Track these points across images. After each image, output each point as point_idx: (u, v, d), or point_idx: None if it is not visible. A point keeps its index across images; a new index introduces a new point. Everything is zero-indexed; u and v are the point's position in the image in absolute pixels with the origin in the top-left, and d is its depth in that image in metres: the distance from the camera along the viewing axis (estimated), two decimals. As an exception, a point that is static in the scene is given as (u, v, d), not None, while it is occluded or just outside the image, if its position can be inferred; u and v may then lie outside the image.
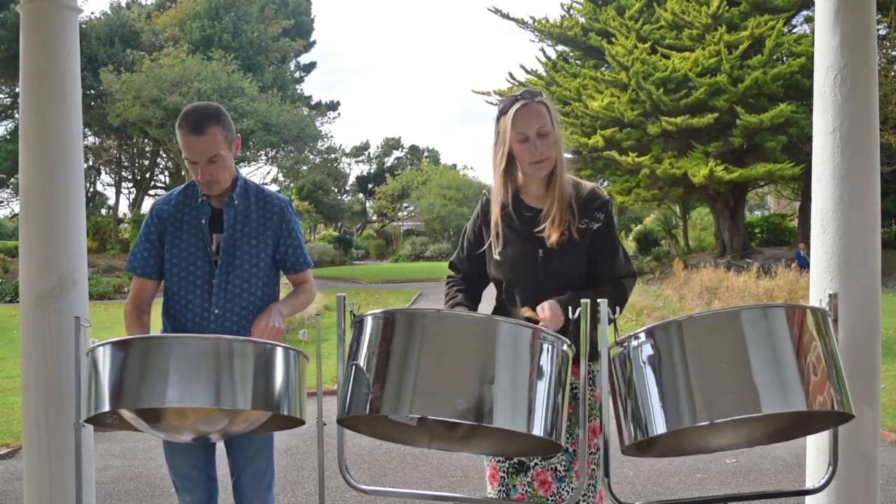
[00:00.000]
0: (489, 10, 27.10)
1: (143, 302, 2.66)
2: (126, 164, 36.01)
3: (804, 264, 14.79)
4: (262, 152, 30.53)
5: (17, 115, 28.00)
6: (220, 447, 2.68)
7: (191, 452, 2.61)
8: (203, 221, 2.59)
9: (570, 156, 23.94)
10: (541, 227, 2.30)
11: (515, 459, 2.29)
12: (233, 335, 2.51)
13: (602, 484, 1.90)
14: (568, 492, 2.26)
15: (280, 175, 33.98)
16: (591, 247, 2.34)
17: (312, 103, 39.41)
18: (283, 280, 2.77)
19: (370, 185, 54.42)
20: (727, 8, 21.26)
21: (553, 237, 2.28)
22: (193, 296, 2.57)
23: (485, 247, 2.42)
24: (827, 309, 1.86)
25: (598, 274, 2.36)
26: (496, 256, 2.36)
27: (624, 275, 2.38)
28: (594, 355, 1.90)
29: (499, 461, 2.31)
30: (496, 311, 2.41)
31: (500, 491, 2.30)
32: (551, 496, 2.27)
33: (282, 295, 2.74)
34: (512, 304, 2.37)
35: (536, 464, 2.28)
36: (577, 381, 2.07)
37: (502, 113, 2.31)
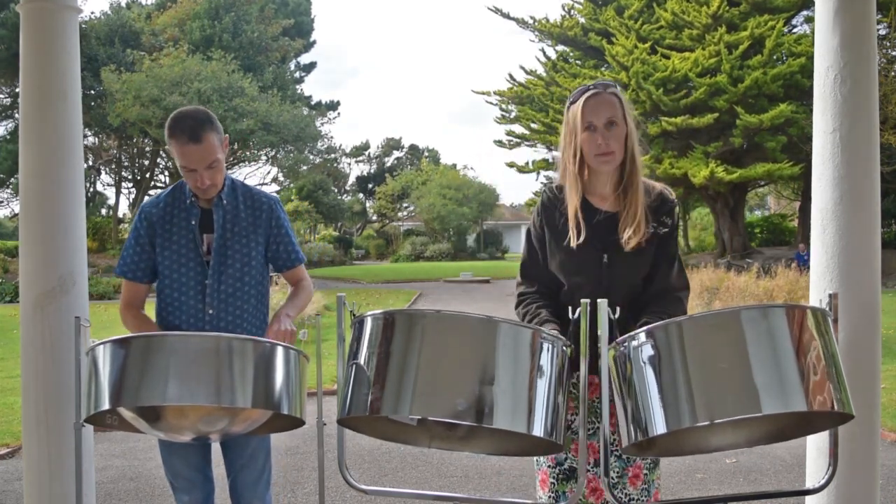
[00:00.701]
0: (489, 9, 27.14)
1: (135, 303, 2.66)
2: (126, 164, 36.02)
3: (804, 264, 14.78)
4: (262, 152, 30.56)
5: (17, 115, 28.00)
6: (216, 446, 2.68)
7: (188, 452, 2.61)
8: (193, 223, 2.58)
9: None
10: (619, 231, 2.19)
11: (566, 465, 2.24)
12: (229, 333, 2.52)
13: (602, 484, 1.90)
14: (622, 497, 2.22)
15: (280, 175, 34.02)
16: (658, 246, 2.24)
17: (312, 103, 39.43)
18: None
19: (370, 185, 54.44)
20: (727, 8, 21.28)
21: (633, 242, 2.17)
22: (187, 297, 2.57)
23: (549, 247, 2.28)
24: (827, 309, 1.86)
25: (651, 282, 2.25)
26: (576, 245, 2.21)
27: (679, 287, 2.27)
28: (595, 366, 1.89)
29: (549, 466, 2.26)
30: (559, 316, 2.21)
31: (550, 496, 2.26)
32: (603, 503, 2.23)
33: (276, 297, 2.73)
34: (572, 306, 2.14)
35: (588, 470, 2.21)
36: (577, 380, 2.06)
37: (572, 102, 2.22)
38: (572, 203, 2.23)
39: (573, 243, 2.21)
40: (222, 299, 2.56)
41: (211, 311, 2.55)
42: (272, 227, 2.65)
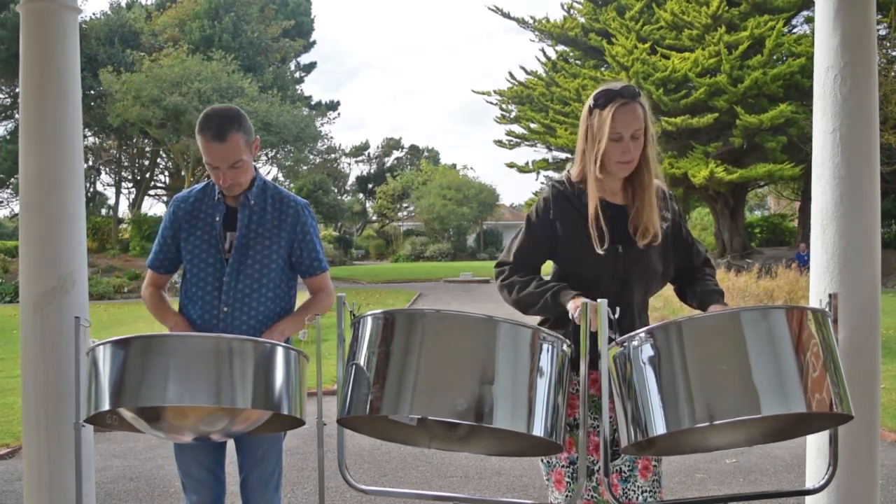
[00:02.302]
0: (489, 8, 27.12)
1: (156, 285, 2.73)
2: (126, 164, 36.03)
3: (804, 264, 14.78)
4: (262, 152, 30.55)
5: (17, 115, 28.00)
6: (231, 448, 2.68)
7: (200, 452, 2.61)
8: (217, 219, 2.59)
9: (570, 155, 23.94)
10: (630, 225, 2.26)
11: (578, 464, 2.23)
12: (241, 335, 2.51)
13: (603, 484, 1.90)
14: (633, 491, 2.23)
15: (280, 175, 34.01)
16: (675, 241, 2.36)
17: (312, 103, 39.43)
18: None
19: (370, 185, 54.44)
20: (727, 8, 21.27)
21: (648, 237, 2.24)
22: (204, 293, 2.57)
23: (561, 239, 2.30)
24: (827, 309, 1.86)
25: (692, 261, 2.41)
26: (599, 252, 2.23)
27: (706, 251, 2.47)
28: (595, 362, 1.89)
29: (562, 466, 2.27)
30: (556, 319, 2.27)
31: (567, 496, 2.26)
32: (616, 498, 2.25)
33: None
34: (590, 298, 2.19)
35: (599, 468, 2.20)
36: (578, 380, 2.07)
37: (599, 107, 2.22)
38: (592, 206, 2.26)
39: (598, 250, 2.23)
40: (238, 298, 2.56)
41: (226, 309, 2.55)
42: (297, 233, 2.64)
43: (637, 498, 2.23)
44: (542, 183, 29.39)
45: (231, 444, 2.66)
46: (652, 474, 2.27)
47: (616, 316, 1.92)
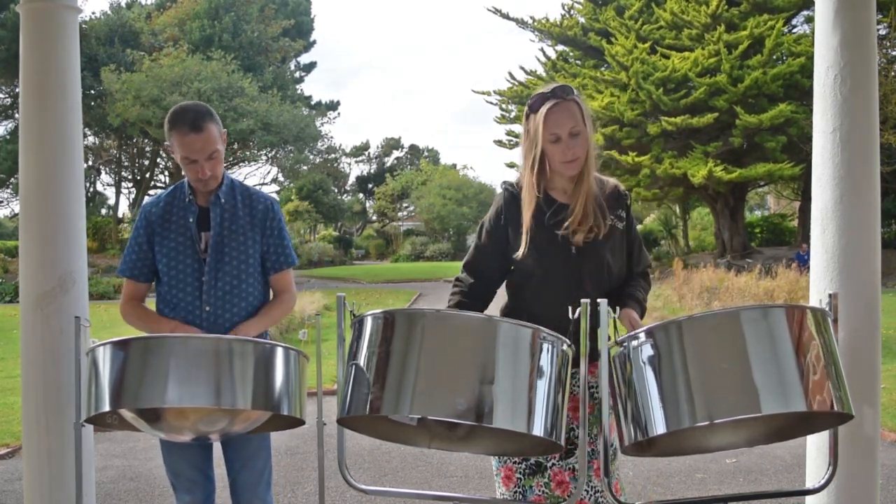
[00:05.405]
0: (489, 9, 27.11)
1: (136, 297, 2.69)
2: (126, 164, 36.02)
3: (804, 264, 14.78)
4: (262, 152, 30.54)
5: (17, 115, 28.00)
6: (217, 446, 2.68)
7: (189, 452, 2.60)
8: (191, 220, 2.59)
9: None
10: (568, 225, 2.26)
11: (532, 460, 2.26)
12: (226, 334, 2.51)
13: (602, 484, 1.90)
14: (586, 490, 2.24)
15: (280, 175, 33.99)
16: (623, 243, 2.37)
17: (312, 103, 39.40)
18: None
19: (370, 185, 54.42)
20: (727, 8, 21.26)
21: (579, 236, 2.25)
22: (185, 294, 2.57)
23: (511, 244, 2.33)
24: (827, 309, 1.86)
25: (630, 268, 2.41)
26: (521, 254, 2.27)
27: (647, 264, 2.48)
28: (595, 356, 1.90)
29: (514, 462, 2.28)
30: (510, 312, 2.33)
31: (515, 492, 2.26)
32: (569, 496, 2.24)
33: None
34: (541, 302, 2.28)
35: (554, 464, 2.25)
36: (577, 382, 2.07)
37: (532, 111, 2.25)
38: (527, 212, 2.28)
39: (518, 254, 2.27)
40: (219, 297, 2.56)
41: (208, 309, 2.55)
42: (269, 227, 2.66)
43: (588, 498, 2.24)
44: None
45: (217, 444, 2.64)
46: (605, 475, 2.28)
47: (616, 315, 1.92)
